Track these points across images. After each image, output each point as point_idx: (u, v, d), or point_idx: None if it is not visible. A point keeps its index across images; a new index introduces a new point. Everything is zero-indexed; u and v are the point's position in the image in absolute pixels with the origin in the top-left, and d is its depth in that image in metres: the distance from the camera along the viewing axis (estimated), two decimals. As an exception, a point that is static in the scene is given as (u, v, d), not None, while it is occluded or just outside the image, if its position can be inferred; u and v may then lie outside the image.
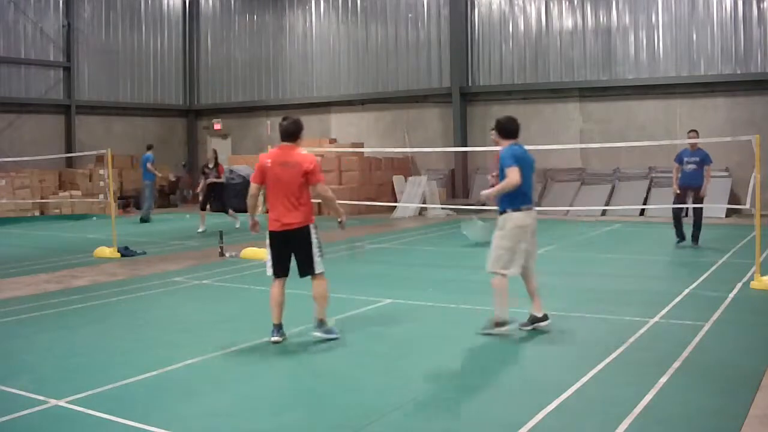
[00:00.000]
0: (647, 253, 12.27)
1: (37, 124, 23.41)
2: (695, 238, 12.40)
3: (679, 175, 12.38)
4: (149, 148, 19.74)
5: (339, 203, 7.01)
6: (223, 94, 27.39)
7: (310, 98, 25.12)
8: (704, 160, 12.19)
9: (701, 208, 12.36)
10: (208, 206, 16.50)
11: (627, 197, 18.66)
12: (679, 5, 19.24)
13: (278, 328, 6.58)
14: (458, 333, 6.98)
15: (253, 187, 6.63)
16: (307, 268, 6.55)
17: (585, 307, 7.88)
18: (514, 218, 6.59)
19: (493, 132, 7.06)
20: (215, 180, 16.34)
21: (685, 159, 12.33)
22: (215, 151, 17.14)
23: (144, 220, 19.04)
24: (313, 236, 6.52)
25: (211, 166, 16.41)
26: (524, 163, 6.61)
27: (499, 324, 6.67)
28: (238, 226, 15.95)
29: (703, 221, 12.68)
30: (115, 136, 24.94)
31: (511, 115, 7.04)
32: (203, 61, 27.79)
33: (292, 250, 6.54)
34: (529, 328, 6.83)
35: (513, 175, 6.43)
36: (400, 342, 6.69)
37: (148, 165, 19.08)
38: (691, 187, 12.29)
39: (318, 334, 6.58)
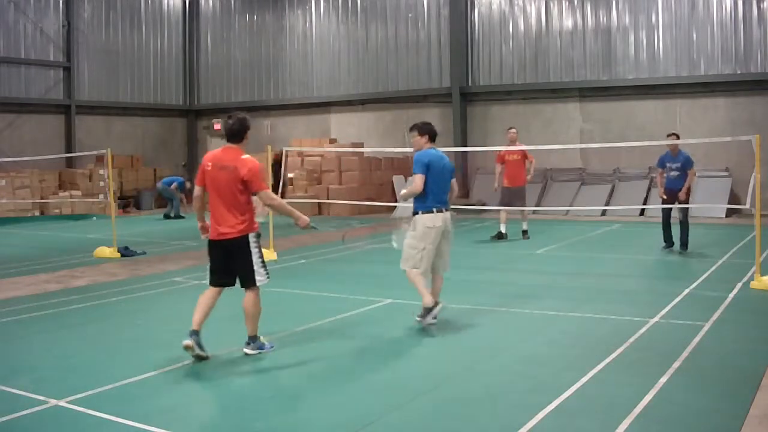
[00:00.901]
0: (647, 253, 12.27)
1: (37, 124, 23.40)
2: (684, 243, 11.81)
3: (665, 180, 11.92)
4: (184, 165, 21.10)
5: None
6: (223, 94, 27.39)
7: (310, 98, 25.13)
8: (686, 164, 11.67)
9: (687, 214, 11.87)
10: None
11: (627, 197, 18.66)
12: (679, 5, 19.25)
13: (194, 332, 5.92)
14: (457, 333, 6.98)
15: (196, 189, 6.14)
16: (246, 280, 6.00)
17: (585, 307, 7.88)
18: (423, 220, 6.97)
19: (421, 136, 7.29)
20: None
21: (668, 164, 11.83)
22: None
23: (177, 216, 20.02)
24: (253, 246, 5.97)
25: None
26: (436, 168, 6.99)
27: (428, 309, 6.94)
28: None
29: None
30: (115, 136, 24.95)
31: (425, 121, 7.50)
32: (203, 61, 27.79)
33: (231, 260, 5.99)
34: (419, 319, 7.04)
35: (416, 183, 6.95)
36: (399, 342, 6.69)
37: (174, 185, 20.29)
38: (677, 191, 11.76)
39: (247, 351, 6.09)
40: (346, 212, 19.83)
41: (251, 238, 5.96)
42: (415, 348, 6.50)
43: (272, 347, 6.22)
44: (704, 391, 5.11)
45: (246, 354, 6.08)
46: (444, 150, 7.64)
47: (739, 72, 18.61)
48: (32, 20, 23.20)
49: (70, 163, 23.69)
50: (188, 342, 5.83)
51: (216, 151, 6.09)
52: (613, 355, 5.94)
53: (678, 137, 12.27)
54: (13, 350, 6.59)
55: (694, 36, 19.13)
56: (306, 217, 6.22)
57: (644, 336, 6.58)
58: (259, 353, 6.09)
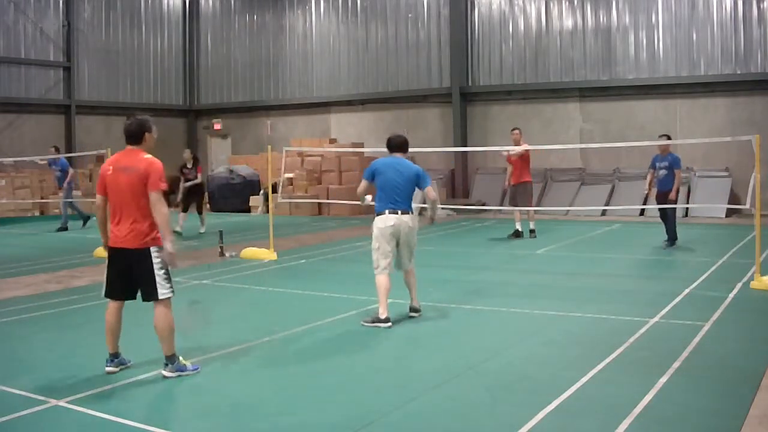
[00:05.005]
0: (647, 253, 12.27)
1: (37, 124, 23.41)
2: (669, 240, 12.36)
3: (656, 181, 12.41)
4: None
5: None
6: (223, 94, 27.40)
7: (310, 98, 25.13)
8: (673, 164, 12.07)
9: (674, 211, 12.32)
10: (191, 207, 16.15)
11: (627, 197, 18.66)
12: (679, 5, 19.25)
13: (113, 357, 5.71)
14: (458, 333, 6.99)
15: (98, 198, 5.74)
16: (148, 294, 5.59)
17: (585, 307, 7.88)
18: (376, 221, 7.37)
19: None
20: (194, 181, 15.90)
21: (657, 164, 12.28)
22: (190, 151, 16.82)
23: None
24: (155, 259, 5.54)
25: (189, 166, 15.99)
26: (384, 173, 7.36)
27: (377, 321, 7.17)
28: (202, 231, 15.73)
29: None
30: (115, 136, 24.83)
31: (398, 133, 7.87)
32: (203, 61, 27.80)
33: (130, 271, 5.60)
34: (412, 315, 7.49)
35: (359, 186, 7.56)
36: (399, 342, 6.69)
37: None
38: (663, 192, 12.25)
39: (166, 374, 5.54)
40: (346, 212, 19.82)
41: (153, 251, 5.54)
42: (415, 348, 6.50)
43: (196, 369, 5.66)
44: (704, 391, 5.11)
45: (164, 377, 5.54)
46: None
47: (739, 72, 18.61)
48: (32, 20, 23.20)
49: (70, 163, 23.63)
50: (110, 369, 5.68)
51: (116, 155, 5.74)
52: (613, 355, 5.94)
53: (669, 138, 12.63)
54: (13, 350, 6.59)
55: (694, 36, 19.13)
56: (171, 249, 5.51)
57: (644, 336, 6.58)
58: (179, 375, 5.54)
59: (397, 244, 7.36)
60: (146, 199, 5.51)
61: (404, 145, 7.64)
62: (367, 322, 7.21)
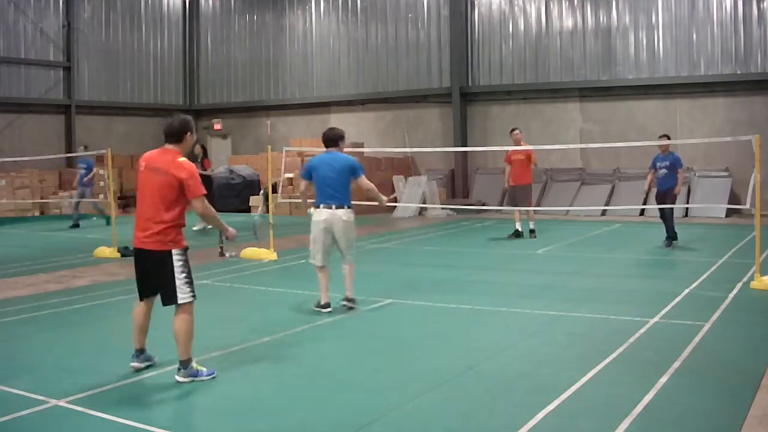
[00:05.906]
0: (647, 253, 12.27)
1: (37, 124, 23.42)
2: (669, 239, 12.45)
3: (656, 180, 12.54)
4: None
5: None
6: (223, 94, 27.40)
7: (310, 98, 25.14)
8: (674, 164, 12.22)
9: (672, 212, 12.42)
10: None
11: (627, 197, 18.66)
12: (679, 5, 19.25)
13: (138, 353, 5.73)
14: (458, 333, 6.99)
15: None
16: (167, 297, 5.50)
17: (585, 307, 7.88)
18: (312, 215, 7.74)
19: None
20: (201, 173, 16.13)
21: (658, 164, 12.40)
22: (200, 145, 16.89)
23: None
24: (177, 262, 5.43)
25: (199, 160, 16.29)
26: (319, 170, 7.64)
27: (319, 306, 7.75)
28: (196, 228, 15.69)
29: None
30: (115, 136, 24.95)
31: (332, 127, 8.14)
32: (203, 61, 27.80)
33: (149, 273, 5.57)
34: (345, 305, 7.80)
35: (300, 186, 7.86)
36: (399, 342, 6.70)
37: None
38: (662, 192, 12.38)
39: (179, 379, 5.42)
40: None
41: (175, 253, 5.44)
42: (415, 348, 6.49)
43: (212, 374, 5.52)
44: (704, 391, 5.10)
45: (177, 382, 5.43)
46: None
47: (739, 72, 18.61)
48: (32, 20, 23.21)
49: (70, 163, 23.67)
50: (135, 364, 5.70)
51: (152, 152, 5.61)
52: (613, 355, 5.94)
53: (669, 138, 12.80)
54: (13, 350, 6.59)
55: (694, 36, 19.13)
56: (233, 231, 5.83)
57: (644, 336, 6.58)
58: (193, 381, 5.42)
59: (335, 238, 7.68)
60: (171, 204, 5.42)
61: (337, 138, 7.84)
62: (314, 306, 7.77)
